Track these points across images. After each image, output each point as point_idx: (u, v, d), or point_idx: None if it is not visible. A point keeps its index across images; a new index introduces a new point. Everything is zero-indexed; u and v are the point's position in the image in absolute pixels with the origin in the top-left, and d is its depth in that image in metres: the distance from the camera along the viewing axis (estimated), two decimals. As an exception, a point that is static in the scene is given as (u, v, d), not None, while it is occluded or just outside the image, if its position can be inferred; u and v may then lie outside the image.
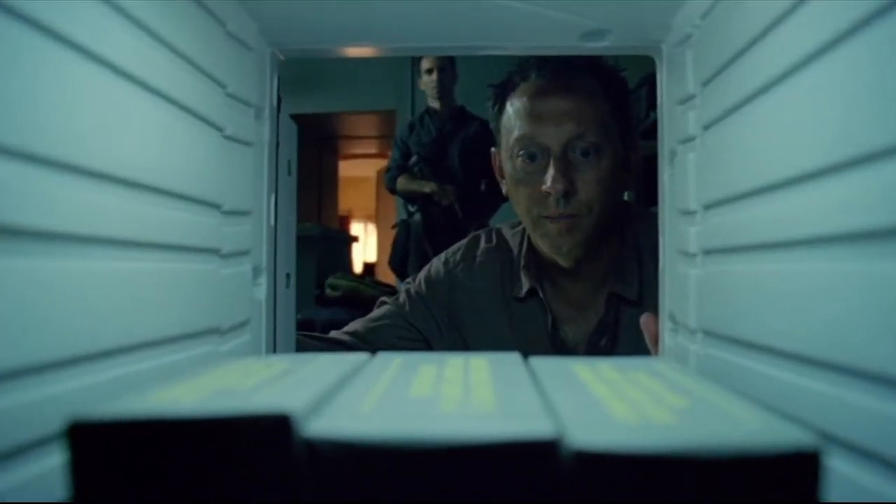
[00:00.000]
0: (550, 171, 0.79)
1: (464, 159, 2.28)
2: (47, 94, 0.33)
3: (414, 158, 2.33)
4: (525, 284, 0.88)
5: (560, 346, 0.86)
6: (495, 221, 2.13)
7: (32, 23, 0.31)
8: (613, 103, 0.83)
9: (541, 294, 0.88)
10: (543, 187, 0.79)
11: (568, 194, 0.79)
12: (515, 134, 0.82)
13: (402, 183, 2.35)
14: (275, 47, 0.63)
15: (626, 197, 1.04)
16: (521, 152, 0.82)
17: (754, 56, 0.42)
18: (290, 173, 0.69)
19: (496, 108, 0.87)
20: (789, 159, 0.37)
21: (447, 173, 2.29)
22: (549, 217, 0.81)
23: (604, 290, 0.86)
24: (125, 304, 0.40)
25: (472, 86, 2.41)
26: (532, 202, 0.82)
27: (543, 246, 0.85)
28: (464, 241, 0.97)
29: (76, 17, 0.35)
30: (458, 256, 0.94)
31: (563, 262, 0.85)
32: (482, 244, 0.94)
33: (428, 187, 2.27)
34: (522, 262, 0.89)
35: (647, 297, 0.82)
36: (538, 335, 0.87)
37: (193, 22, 0.48)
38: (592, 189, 0.79)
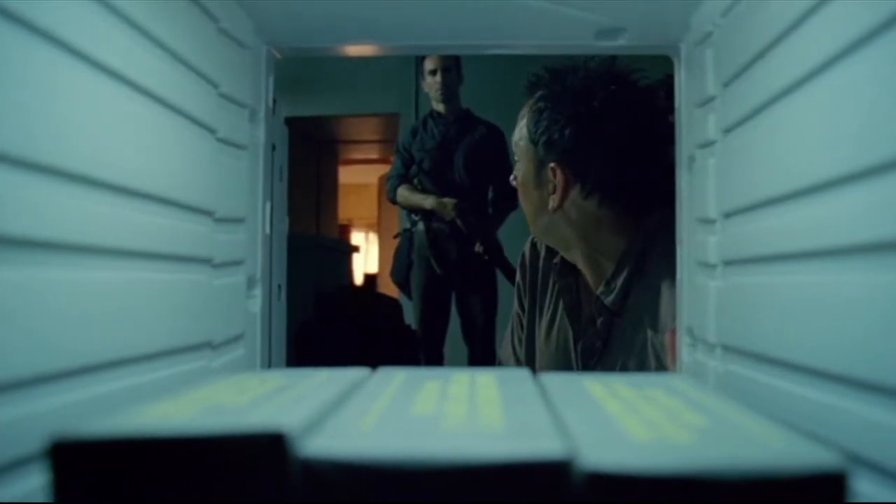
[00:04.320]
0: None
1: (469, 165, 2.27)
2: (29, 93, 0.33)
3: (413, 169, 2.32)
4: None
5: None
6: (503, 230, 2.13)
7: (14, 18, 0.31)
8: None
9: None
10: None
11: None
12: None
13: (402, 195, 2.34)
14: (271, 45, 0.64)
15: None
16: None
17: (778, 55, 0.42)
18: (281, 179, 0.69)
19: None
20: (816, 165, 0.37)
21: (452, 180, 2.28)
22: None
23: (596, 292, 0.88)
24: (111, 316, 0.40)
25: (478, 88, 2.41)
26: None
27: None
28: None
29: (60, 13, 0.35)
30: None
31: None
32: None
33: (427, 203, 2.25)
34: None
35: (630, 311, 0.81)
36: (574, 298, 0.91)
37: (183, 17, 0.48)
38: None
